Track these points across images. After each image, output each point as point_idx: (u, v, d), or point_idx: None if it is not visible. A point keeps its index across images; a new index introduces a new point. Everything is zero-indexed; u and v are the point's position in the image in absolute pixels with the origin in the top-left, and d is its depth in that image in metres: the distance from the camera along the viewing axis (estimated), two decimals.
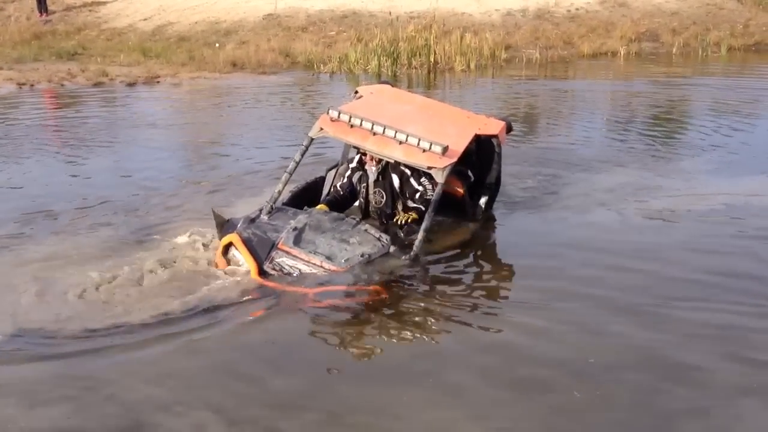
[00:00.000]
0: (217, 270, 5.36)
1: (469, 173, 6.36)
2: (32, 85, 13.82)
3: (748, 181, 7.73)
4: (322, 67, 16.09)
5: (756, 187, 7.50)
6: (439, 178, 5.42)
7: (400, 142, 5.42)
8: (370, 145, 5.55)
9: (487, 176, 6.38)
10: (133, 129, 10.73)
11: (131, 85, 14.18)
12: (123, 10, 21.10)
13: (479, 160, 6.35)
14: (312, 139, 5.83)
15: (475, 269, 5.80)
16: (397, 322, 4.91)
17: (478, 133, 6.01)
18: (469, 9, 20.49)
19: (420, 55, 16.27)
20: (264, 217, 5.63)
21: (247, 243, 5.32)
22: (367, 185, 5.95)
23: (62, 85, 14.06)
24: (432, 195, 5.62)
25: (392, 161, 5.73)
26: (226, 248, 5.37)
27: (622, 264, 5.76)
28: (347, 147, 6.49)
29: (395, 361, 4.49)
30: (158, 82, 14.51)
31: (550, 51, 17.85)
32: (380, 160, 5.81)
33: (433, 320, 4.96)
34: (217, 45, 17.82)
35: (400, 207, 5.93)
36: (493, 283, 5.63)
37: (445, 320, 4.95)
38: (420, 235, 5.43)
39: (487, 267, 5.90)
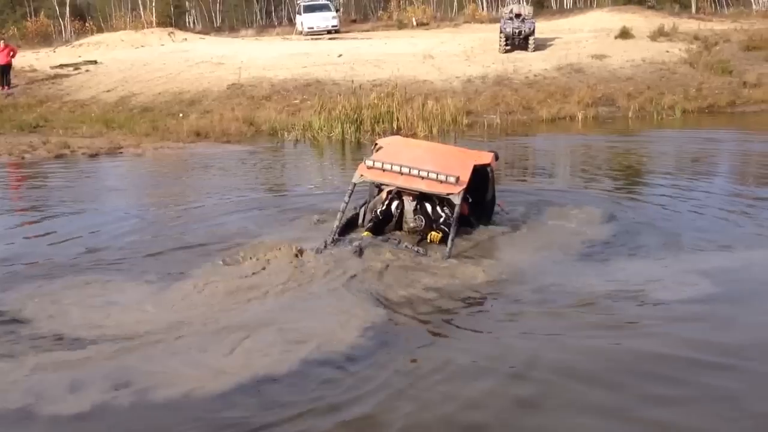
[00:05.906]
0: None
1: (468, 198, 7.73)
2: None
3: None
4: (286, 135, 16.21)
5: None
6: (456, 200, 7.07)
7: (423, 178, 7.08)
8: (401, 183, 7.20)
9: (485, 196, 7.99)
10: (92, 197, 10.58)
11: (93, 156, 14.07)
12: (86, 82, 21.21)
13: (475, 185, 7.71)
14: (355, 184, 7.36)
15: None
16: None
17: (476, 163, 7.56)
18: (431, 76, 20.98)
19: (383, 121, 16.48)
20: (330, 246, 7.11)
21: None
22: (403, 212, 7.58)
23: (23, 157, 13.90)
24: (451, 219, 7.21)
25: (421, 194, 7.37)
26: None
27: None
28: (372, 187, 8.15)
29: None
30: (121, 152, 14.43)
31: (510, 116, 18.25)
32: (416, 196, 7.41)
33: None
34: (180, 115, 17.90)
35: (432, 228, 7.44)
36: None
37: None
38: (449, 243, 6.94)
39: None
